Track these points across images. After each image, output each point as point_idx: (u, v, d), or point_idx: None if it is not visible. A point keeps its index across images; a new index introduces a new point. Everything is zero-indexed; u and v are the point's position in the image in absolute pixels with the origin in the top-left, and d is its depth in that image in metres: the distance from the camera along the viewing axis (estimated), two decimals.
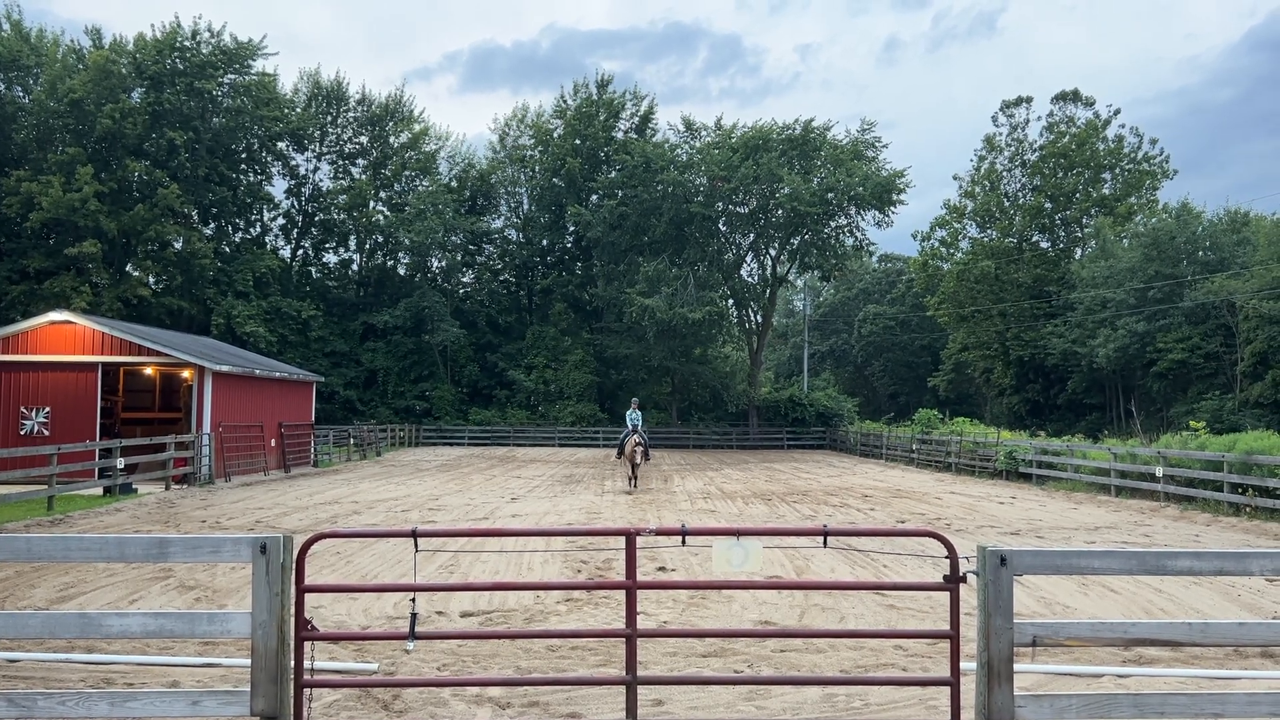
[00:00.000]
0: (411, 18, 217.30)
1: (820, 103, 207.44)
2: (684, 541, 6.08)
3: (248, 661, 5.24)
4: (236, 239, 59.05)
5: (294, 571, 5.31)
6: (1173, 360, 51.48)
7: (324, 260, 64.44)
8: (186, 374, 28.63)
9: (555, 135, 61.75)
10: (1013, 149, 66.86)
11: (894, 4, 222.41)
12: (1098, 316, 56.08)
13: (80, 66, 50.87)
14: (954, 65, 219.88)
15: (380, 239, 62.04)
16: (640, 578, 7.14)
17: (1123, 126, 64.83)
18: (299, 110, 59.88)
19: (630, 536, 5.85)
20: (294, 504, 20.94)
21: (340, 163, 62.39)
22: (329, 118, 61.36)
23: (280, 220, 62.37)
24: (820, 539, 5.96)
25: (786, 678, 7.32)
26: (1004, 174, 67.33)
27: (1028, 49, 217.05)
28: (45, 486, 19.04)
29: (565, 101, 62.78)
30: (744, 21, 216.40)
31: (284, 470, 30.86)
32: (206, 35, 53.90)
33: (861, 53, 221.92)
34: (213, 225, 58.33)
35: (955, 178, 70.76)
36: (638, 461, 24.55)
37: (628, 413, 26.06)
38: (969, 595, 7.01)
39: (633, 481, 25.28)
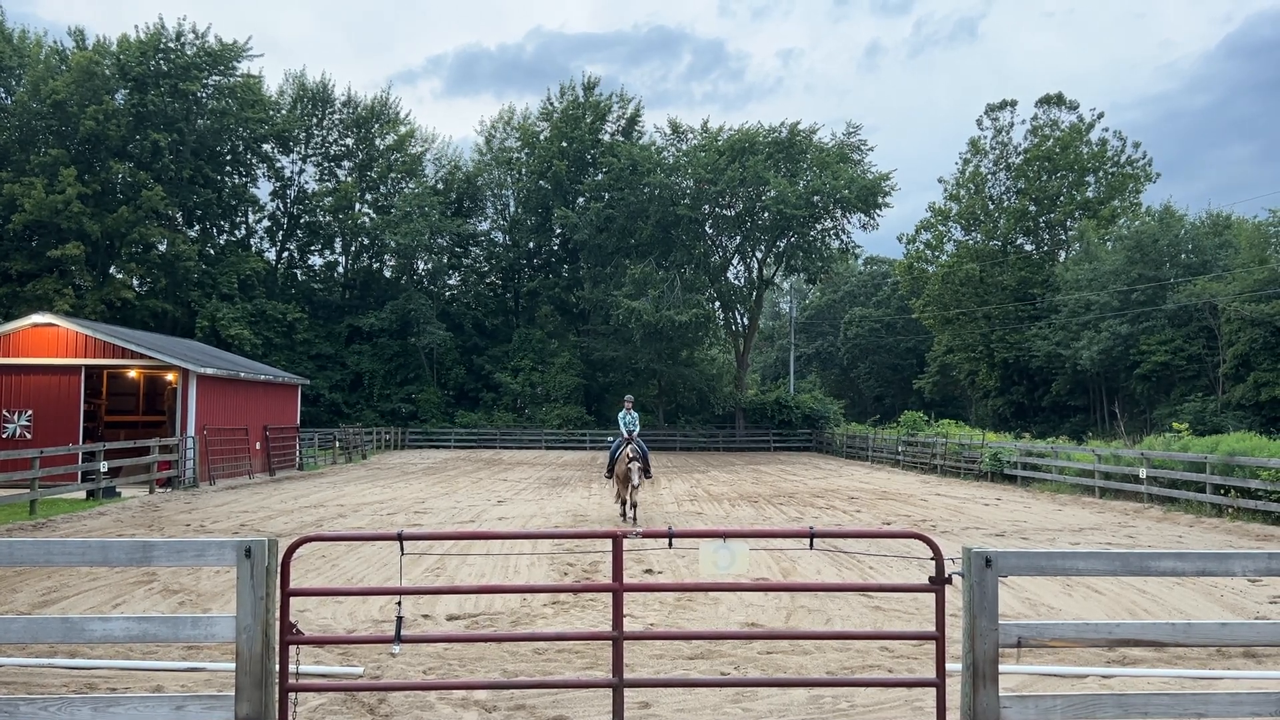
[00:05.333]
0: (394, 22, 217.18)
1: (803, 107, 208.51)
2: (670, 544, 6.08)
3: (232, 666, 5.21)
4: (221, 241, 58.81)
5: (279, 575, 5.28)
6: (1156, 362, 51.84)
7: (309, 263, 64.25)
8: (170, 377, 28.46)
9: (542, 138, 61.69)
10: (997, 152, 67.24)
11: (875, 10, 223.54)
12: (1082, 319, 56.43)
13: (63, 68, 50.57)
14: (935, 70, 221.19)
15: (366, 241, 61.82)
16: (627, 580, 7.13)
17: (1106, 130, 65.41)
18: (284, 112, 59.67)
19: (617, 539, 5.85)
20: (279, 507, 20.84)
21: (326, 165, 62.19)
22: (314, 120, 61.15)
23: (265, 222, 62.21)
24: (806, 541, 5.97)
25: (773, 679, 7.33)
26: (989, 177, 67.69)
27: (1008, 55, 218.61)
28: (28, 490, 18.89)
29: (552, 104, 62.76)
30: (727, 26, 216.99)
31: (269, 473, 30.72)
32: (191, 37, 53.70)
33: (843, 58, 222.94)
34: (197, 227, 58.09)
35: (940, 180, 71.12)
36: (634, 483, 17.68)
37: (619, 414, 19.45)
38: (954, 596, 7.03)
39: (628, 509, 18.57)
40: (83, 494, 21.41)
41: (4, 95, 51.43)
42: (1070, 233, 65.15)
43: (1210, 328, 50.91)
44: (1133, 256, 54.54)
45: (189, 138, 53.60)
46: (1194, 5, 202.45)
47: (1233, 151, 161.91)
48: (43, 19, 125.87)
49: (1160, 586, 11.28)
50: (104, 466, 21.52)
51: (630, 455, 17.82)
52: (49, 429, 24.63)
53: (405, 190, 60.89)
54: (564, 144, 59.97)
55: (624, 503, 18.53)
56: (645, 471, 18.11)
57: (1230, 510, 19.14)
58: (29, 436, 24.57)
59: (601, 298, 56.23)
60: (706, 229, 57.99)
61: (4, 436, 24.70)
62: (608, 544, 13.28)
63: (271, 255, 61.92)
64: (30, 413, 24.90)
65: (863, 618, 9.72)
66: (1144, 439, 29.23)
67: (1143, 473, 21.99)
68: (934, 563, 5.57)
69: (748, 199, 54.41)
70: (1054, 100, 65.38)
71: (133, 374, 30.61)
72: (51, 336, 25.44)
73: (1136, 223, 59.06)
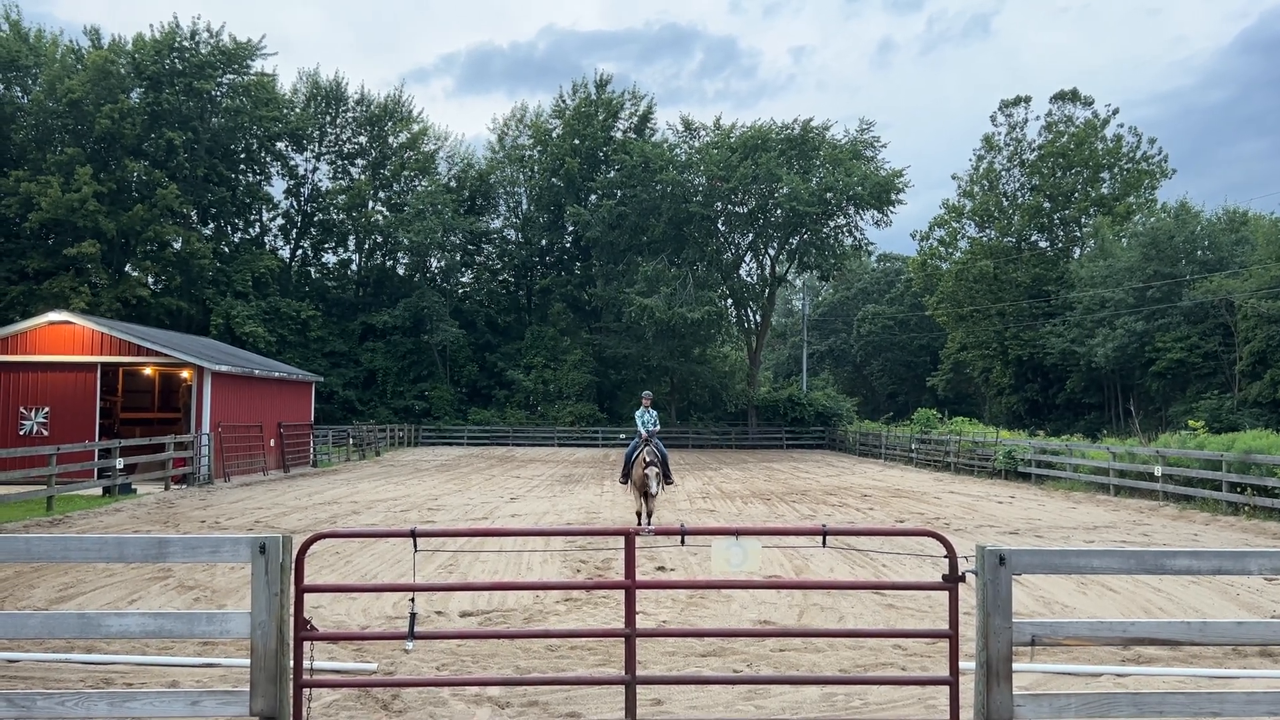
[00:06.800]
0: (405, 20, 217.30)
1: (814, 104, 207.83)
2: (683, 541, 6.09)
3: (247, 661, 5.24)
4: (235, 239, 59.07)
5: (293, 571, 5.31)
6: (1171, 360, 51.51)
7: (323, 260, 64.46)
8: (185, 374, 28.63)
9: (554, 135, 61.74)
10: (1011, 148, 66.89)
11: (887, 7, 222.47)
12: (1096, 316, 56.12)
13: (79, 67, 50.81)
14: (948, 67, 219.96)
15: (379, 239, 62.02)
16: (639, 577, 7.12)
17: (1121, 126, 64.92)
18: (298, 110, 59.86)
19: (629, 536, 5.86)
20: (293, 504, 20.94)
21: (339, 163, 62.38)
22: (328, 118, 61.34)
23: (279, 220, 62.42)
24: (819, 539, 5.96)
25: (785, 677, 7.32)
26: (1003, 173, 67.36)
27: (1021, 51, 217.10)
28: (44, 487, 19.03)
29: (564, 101, 62.81)
30: (738, 24, 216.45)
31: (283, 470, 30.85)
32: (205, 35, 53.92)
33: (855, 55, 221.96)
34: (212, 225, 58.34)
35: (954, 177, 70.87)
36: (652, 490, 15.73)
37: (637, 412, 17.19)
38: (968, 595, 7.01)
39: (644, 518, 16.26)
40: (99, 490, 21.55)
41: (20, 94, 51.71)
42: (1085, 229, 64.77)
43: (1226, 325, 50.56)
44: (1148, 253, 54.20)
45: (203, 136, 53.82)
46: (1208, 1, 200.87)
47: (1248, 147, 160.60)
48: (59, 18, 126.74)
49: (1176, 585, 11.21)
50: (120, 463, 21.65)
51: (647, 459, 15.73)
52: (65, 426, 24.79)
53: (418, 188, 61.03)
54: (576, 141, 59.99)
55: (640, 513, 16.33)
56: (665, 478, 16.14)
57: (1247, 509, 19.02)
58: (46, 433, 24.75)
59: (614, 295, 56.23)
60: (719, 226, 57.94)
61: (21, 434, 24.88)
62: (620, 541, 13.29)
63: (285, 253, 62.17)
64: (47, 410, 25.07)
65: (876, 616, 9.70)
66: (1159, 437, 29.06)
67: (1158, 471, 21.87)
68: (947, 561, 5.55)
69: (760, 196, 54.31)
70: (1068, 96, 64.98)
71: (148, 371, 30.80)
72: (68, 334, 25.62)
73: (1152, 219, 58.66)
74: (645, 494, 15.89)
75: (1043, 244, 67.18)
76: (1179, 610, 10.10)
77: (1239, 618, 9.69)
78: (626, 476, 16.75)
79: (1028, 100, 66.16)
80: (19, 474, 20.22)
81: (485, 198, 64.40)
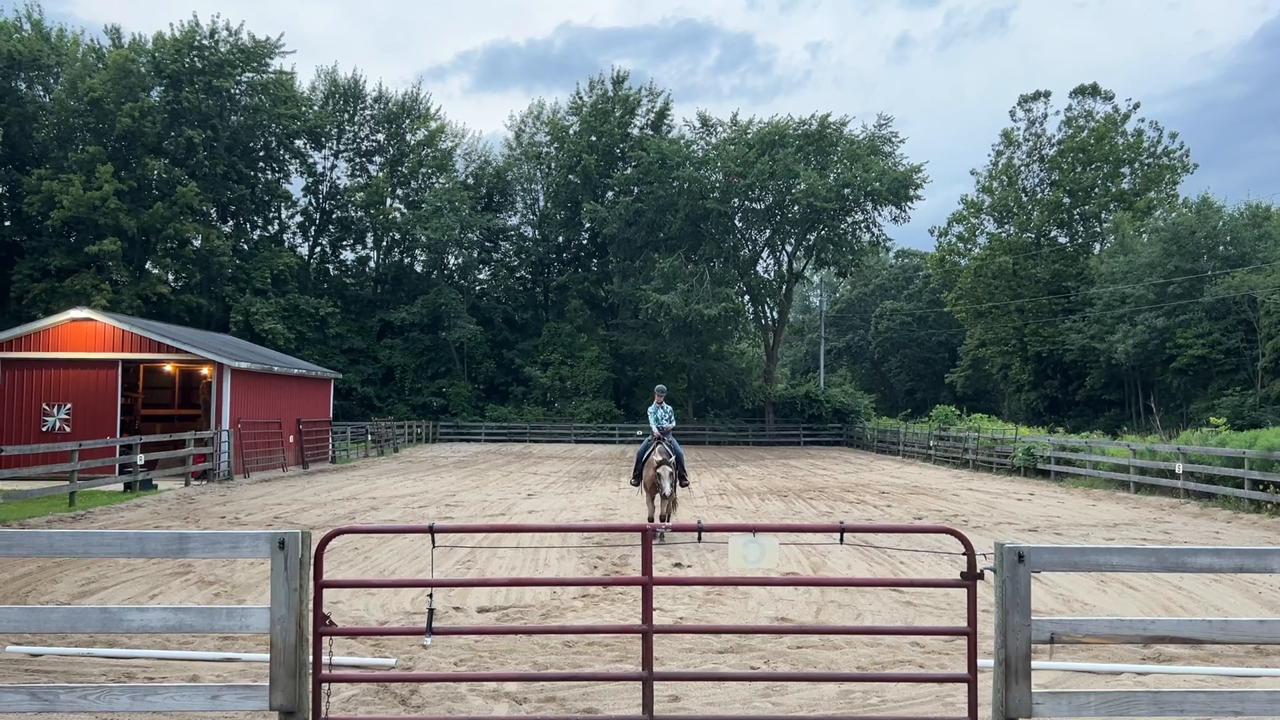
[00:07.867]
0: (422, 18, 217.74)
1: (831, 100, 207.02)
2: (700, 538, 6.08)
3: (266, 656, 5.27)
4: (255, 236, 59.40)
5: (312, 567, 5.33)
6: (1192, 356, 51.07)
7: (341, 257, 64.73)
8: (205, 371, 28.82)
9: (571, 132, 61.78)
10: (1031, 144, 66.45)
11: (905, 2, 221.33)
12: (1116, 312, 55.69)
13: (100, 66, 51.24)
14: (965, 62, 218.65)
15: (397, 236, 62.23)
16: (656, 574, 7.12)
17: (1142, 121, 64.39)
18: (316, 108, 60.13)
19: (646, 533, 5.86)
20: (312, 500, 21.05)
21: (357, 160, 62.63)
22: (346, 115, 61.60)
23: (298, 218, 62.75)
24: (837, 536, 5.95)
25: (803, 674, 7.31)
26: (1022, 169, 66.93)
27: (1039, 46, 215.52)
28: (67, 483, 19.20)
29: (581, 98, 62.80)
30: (755, 20, 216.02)
31: (302, 466, 31.02)
32: (225, 34, 54.26)
33: (872, 51, 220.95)
34: (231, 223, 58.72)
35: (973, 173, 70.58)
36: (665, 491, 14.52)
37: (650, 409, 15.97)
38: (986, 592, 6.98)
39: (659, 520, 14.64)
40: (120, 486, 21.73)
41: (42, 93, 52.20)
42: (1105, 225, 64.31)
43: (1249, 321, 50.08)
44: (1169, 249, 53.73)
45: (223, 134, 54.17)
46: None
47: (1271, 142, 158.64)
48: (80, 18, 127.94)
49: (1197, 583, 11.13)
50: (141, 460, 21.83)
51: (658, 459, 14.59)
52: (87, 422, 25.01)
53: (436, 185, 61.22)
54: (593, 138, 60.01)
55: (653, 517, 14.98)
56: (680, 478, 15.02)
57: (1269, 506, 18.84)
58: (68, 430, 24.97)
59: (630, 292, 56.24)
60: (736, 222, 57.84)
61: (44, 430, 25.12)
62: (637, 538, 13.30)
63: (304, 250, 62.48)
64: (69, 406, 25.31)
65: (893, 613, 9.67)
66: (1180, 434, 28.83)
67: (1179, 468, 21.69)
68: (966, 558, 5.53)
69: (777, 192, 54.18)
70: (1089, 91, 64.49)
71: (168, 368, 31.00)
72: (90, 331, 25.84)
73: (1173, 214, 58.13)
74: (659, 495, 14.76)
75: (1062, 240, 66.73)
76: (1200, 608, 10.03)
77: (1261, 616, 9.60)
78: (639, 478, 15.61)
79: (1047, 95, 65.73)
80: (41, 470, 20.38)
81: (502, 195, 64.56)
